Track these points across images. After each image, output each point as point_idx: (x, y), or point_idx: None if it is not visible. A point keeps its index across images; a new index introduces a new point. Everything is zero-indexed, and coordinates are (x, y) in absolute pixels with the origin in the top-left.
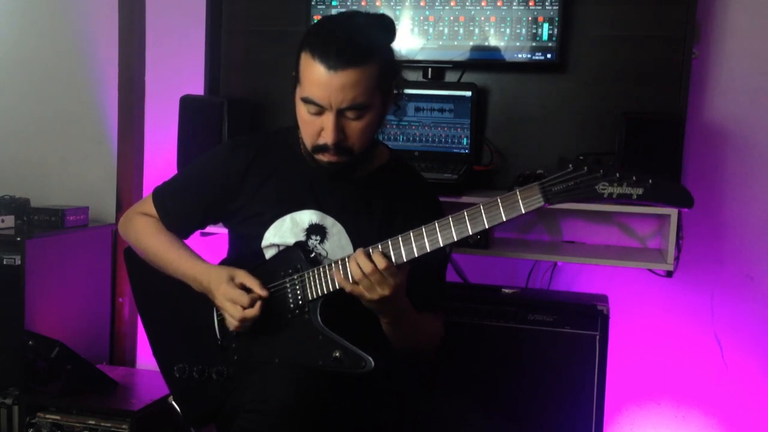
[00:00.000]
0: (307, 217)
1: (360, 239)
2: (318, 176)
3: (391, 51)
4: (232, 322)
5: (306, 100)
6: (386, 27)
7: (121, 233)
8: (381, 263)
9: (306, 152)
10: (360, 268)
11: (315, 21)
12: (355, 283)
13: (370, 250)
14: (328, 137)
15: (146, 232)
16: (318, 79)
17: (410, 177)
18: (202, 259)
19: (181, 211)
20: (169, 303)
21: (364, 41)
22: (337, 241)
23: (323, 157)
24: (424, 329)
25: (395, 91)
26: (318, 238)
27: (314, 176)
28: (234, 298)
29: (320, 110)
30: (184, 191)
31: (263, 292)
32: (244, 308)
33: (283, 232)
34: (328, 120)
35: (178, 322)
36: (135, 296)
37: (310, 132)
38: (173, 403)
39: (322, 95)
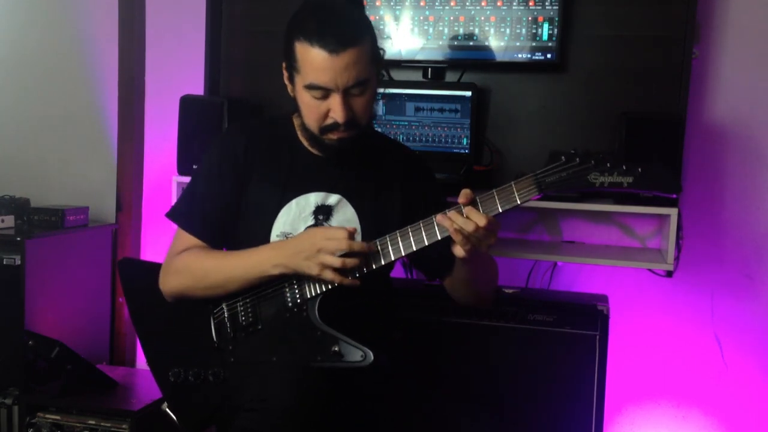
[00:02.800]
0: (312, 199)
1: (365, 211)
2: (316, 158)
3: (371, 24)
4: (333, 261)
5: (311, 87)
6: (358, 2)
7: (169, 287)
8: (481, 221)
9: (310, 136)
10: (461, 227)
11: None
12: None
13: (462, 209)
14: (338, 116)
15: (195, 260)
16: (321, 64)
17: (392, 144)
18: (264, 245)
19: (208, 215)
20: (165, 310)
21: (354, 21)
22: (343, 216)
23: (333, 136)
24: (495, 268)
25: (383, 61)
26: (323, 216)
27: (313, 159)
28: (331, 235)
29: (326, 93)
30: (201, 196)
31: (350, 227)
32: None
33: (292, 218)
34: (335, 101)
35: (173, 329)
36: (129, 305)
37: (317, 116)
38: (167, 410)
39: (328, 78)
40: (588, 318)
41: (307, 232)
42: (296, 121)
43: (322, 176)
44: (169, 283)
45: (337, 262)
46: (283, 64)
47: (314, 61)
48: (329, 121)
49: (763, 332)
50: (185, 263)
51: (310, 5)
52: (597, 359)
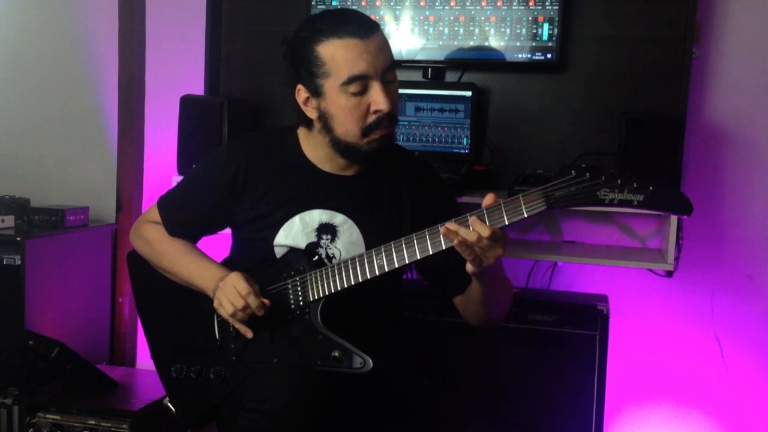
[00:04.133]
0: (316, 216)
1: (371, 232)
2: (323, 174)
3: None
4: (228, 308)
5: (351, 80)
6: None
7: (133, 244)
8: (485, 231)
9: (344, 147)
10: (465, 238)
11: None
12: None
13: (468, 219)
14: (382, 104)
15: (157, 240)
16: (356, 51)
17: (411, 162)
18: (217, 264)
19: (186, 220)
20: (170, 304)
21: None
22: (348, 237)
23: (376, 135)
24: (509, 282)
25: None
26: (329, 237)
27: (319, 174)
28: (237, 286)
29: (364, 85)
30: (187, 200)
31: (265, 300)
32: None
33: (294, 234)
34: (376, 90)
35: (178, 323)
36: (136, 298)
37: (358, 115)
38: (169, 404)
39: (366, 64)
40: (588, 318)
41: (237, 275)
42: (301, 135)
43: (328, 193)
44: (136, 244)
45: (229, 309)
46: (298, 88)
47: (348, 52)
48: (371, 118)
49: (763, 332)
50: (152, 237)
51: (314, 16)
52: (597, 359)
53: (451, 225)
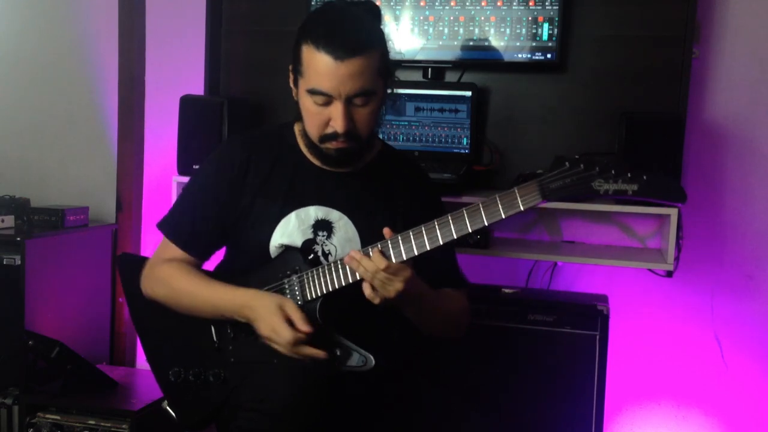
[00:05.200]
0: (312, 213)
1: (366, 229)
2: (318, 170)
3: (384, 36)
4: (281, 350)
5: (313, 92)
6: (375, 13)
7: (148, 290)
8: (381, 263)
9: (309, 144)
10: (365, 269)
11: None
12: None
13: (369, 250)
14: (338, 126)
15: (174, 275)
16: (325, 70)
17: (405, 163)
18: (240, 289)
19: (198, 229)
20: (165, 308)
21: (364, 29)
22: (344, 234)
23: (331, 146)
24: (450, 308)
25: (392, 77)
26: (325, 233)
27: (315, 171)
28: (278, 331)
29: (328, 100)
30: (193, 209)
31: (305, 328)
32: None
33: (291, 231)
34: (336, 109)
35: (173, 327)
36: (129, 303)
37: (317, 123)
38: (167, 408)
39: (331, 85)
40: (588, 318)
41: (269, 310)
42: (298, 130)
43: (324, 190)
44: (150, 287)
45: (285, 350)
46: (290, 67)
47: (318, 66)
48: (329, 130)
49: (763, 332)
50: (167, 276)
51: (325, 9)
52: (597, 359)
53: (356, 254)
